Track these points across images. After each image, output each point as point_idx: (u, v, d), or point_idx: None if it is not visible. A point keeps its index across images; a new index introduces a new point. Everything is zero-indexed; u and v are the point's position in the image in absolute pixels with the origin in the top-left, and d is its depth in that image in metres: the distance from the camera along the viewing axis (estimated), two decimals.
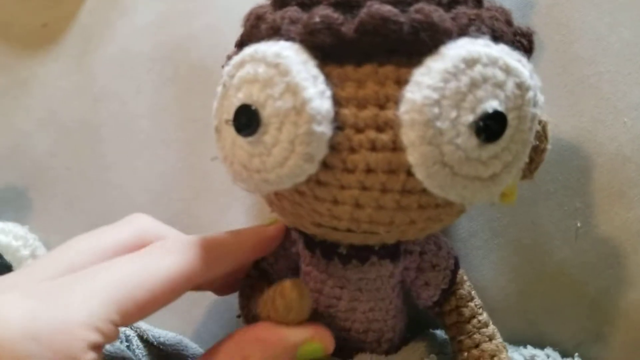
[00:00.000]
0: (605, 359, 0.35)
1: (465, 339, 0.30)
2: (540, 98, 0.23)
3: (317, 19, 0.21)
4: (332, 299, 0.29)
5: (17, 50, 0.43)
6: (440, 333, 0.33)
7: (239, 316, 0.32)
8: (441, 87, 0.20)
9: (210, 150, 0.29)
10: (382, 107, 0.21)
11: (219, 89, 0.25)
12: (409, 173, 0.22)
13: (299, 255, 0.30)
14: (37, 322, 0.20)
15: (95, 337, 0.21)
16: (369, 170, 0.22)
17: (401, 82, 0.21)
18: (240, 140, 0.23)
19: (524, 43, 0.24)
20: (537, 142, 0.26)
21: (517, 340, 0.34)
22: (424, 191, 0.22)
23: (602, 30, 0.34)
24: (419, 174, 0.21)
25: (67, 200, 0.41)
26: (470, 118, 0.21)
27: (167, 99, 0.40)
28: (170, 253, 0.25)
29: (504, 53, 0.22)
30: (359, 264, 0.28)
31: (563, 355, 0.34)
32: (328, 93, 0.22)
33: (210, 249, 0.26)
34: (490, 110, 0.21)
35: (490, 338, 0.30)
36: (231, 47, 0.26)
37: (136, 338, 0.33)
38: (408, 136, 0.21)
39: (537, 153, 0.27)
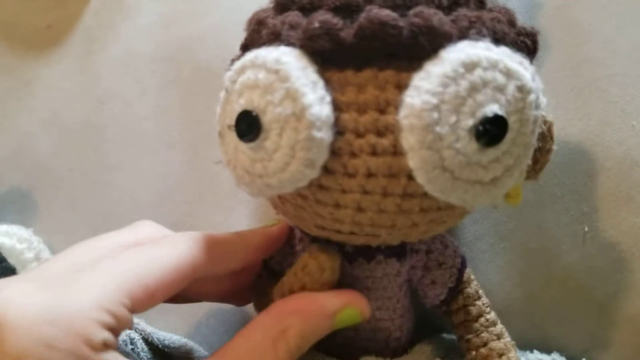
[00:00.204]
0: None
1: (473, 338, 0.30)
2: (543, 100, 0.23)
3: (317, 25, 0.21)
4: None
5: (21, 52, 0.43)
6: (447, 337, 0.33)
7: None
8: (440, 92, 0.20)
9: (214, 153, 0.29)
10: (382, 111, 0.22)
11: (222, 94, 0.25)
12: (410, 177, 0.22)
13: None
14: (54, 308, 0.21)
15: (108, 319, 0.22)
16: (369, 175, 0.22)
17: (401, 87, 0.21)
18: (242, 145, 0.23)
19: (527, 43, 0.24)
20: (542, 143, 0.26)
21: (524, 344, 0.34)
22: (425, 195, 0.22)
23: (610, 32, 0.34)
24: (419, 178, 0.21)
25: (70, 201, 0.41)
26: (469, 122, 0.21)
27: (171, 101, 0.40)
28: (178, 244, 0.26)
29: (504, 56, 0.21)
30: (365, 262, 0.28)
31: None
32: (328, 98, 0.22)
33: (215, 245, 0.27)
34: (490, 114, 0.21)
35: (499, 337, 0.30)
36: (236, 48, 0.26)
37: (141, 341, 0.33)
38: (408, 141, 0.21)
39: (542, 153, 0.26)
